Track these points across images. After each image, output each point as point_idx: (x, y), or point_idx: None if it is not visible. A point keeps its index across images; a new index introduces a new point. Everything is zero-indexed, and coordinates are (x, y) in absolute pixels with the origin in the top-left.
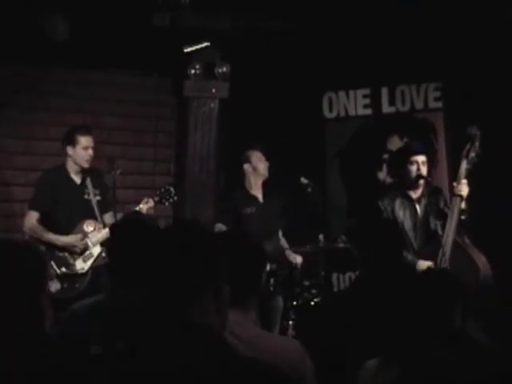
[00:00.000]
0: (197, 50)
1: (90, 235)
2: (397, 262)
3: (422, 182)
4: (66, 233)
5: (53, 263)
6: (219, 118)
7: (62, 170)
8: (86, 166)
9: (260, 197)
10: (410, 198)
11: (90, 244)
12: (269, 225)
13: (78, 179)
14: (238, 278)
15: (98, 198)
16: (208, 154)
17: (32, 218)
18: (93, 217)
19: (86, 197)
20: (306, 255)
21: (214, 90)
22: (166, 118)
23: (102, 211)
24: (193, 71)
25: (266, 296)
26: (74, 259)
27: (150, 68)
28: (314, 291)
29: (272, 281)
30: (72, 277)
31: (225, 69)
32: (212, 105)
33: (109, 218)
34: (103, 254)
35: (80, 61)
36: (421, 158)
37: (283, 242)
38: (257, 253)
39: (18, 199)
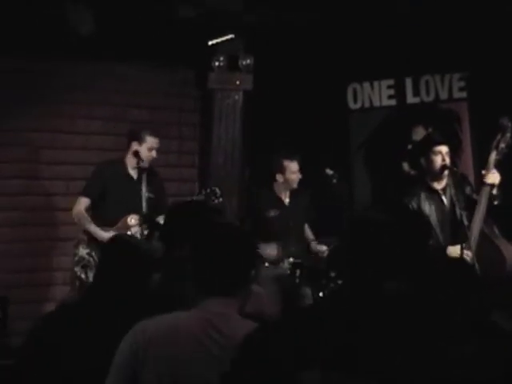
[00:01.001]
0: (221, 42)
1: (132, 229)
2: (423, 252)
3: (446, 172)
4: (112, 224)
5: (93, 254)
6: (243, 110)
7: (121, 163)
8: (146, 165)
9: (286, 200)
10: (434, 190)
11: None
12: (292, 226)
13: (134, 174)
14: (227, 269)
15: (151, 195)
16: (232, 145)
17: (81, 204)
18: (140, 212)
19: (140, 193)
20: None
21: (238, 82)
22: (190, 111)
23: (151, 209)
24: (217, 63)
25: (293, 288)
26: None
27: (175, 61)
28: (339, 282)
29: (298, 272)
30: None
31: (249, 61)
32: (236, 97)
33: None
34: None
35: (106, 54)
36: (444, 149)
37: (308, 234)
38: (248, 245)
39: (44, 193)
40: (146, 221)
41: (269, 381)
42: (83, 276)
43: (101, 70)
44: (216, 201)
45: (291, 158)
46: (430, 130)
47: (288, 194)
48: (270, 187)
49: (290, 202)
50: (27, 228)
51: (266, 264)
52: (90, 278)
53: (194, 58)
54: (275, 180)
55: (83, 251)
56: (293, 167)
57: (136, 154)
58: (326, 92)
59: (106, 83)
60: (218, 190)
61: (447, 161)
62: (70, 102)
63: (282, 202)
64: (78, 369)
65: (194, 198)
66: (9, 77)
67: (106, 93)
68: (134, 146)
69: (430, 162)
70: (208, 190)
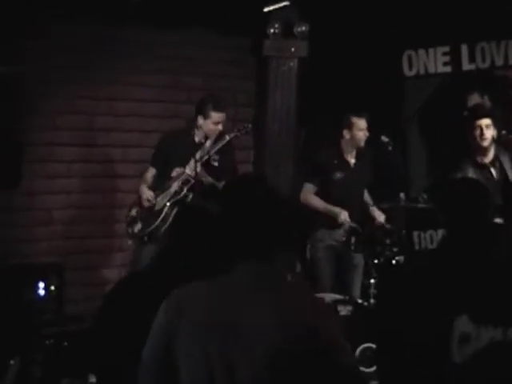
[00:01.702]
0: (276, 9)
1: (172, 177)
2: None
3: (489, 145)
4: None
5: (140, 209)
6: (298, 77)
7: (187, 133)
8: (212, 137)
9: (352, 161)
10: (481, 165)
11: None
12: (356, 190)
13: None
14: (258, 231)
15: (215, 163)
16: (287, 113)
17: (148, 172)
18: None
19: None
20: (386, 214)
21: (293, 49)
22: (245, 78)
23: (215, 176)
24: (272, 30)
25: (347, 254)
26: (156, 198)
27: (230, 28)
28: (395, 249)
29: (353, 239)
30: (150, 215)
31: (304, 28)
32: (291, 64)
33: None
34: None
35: (160, 20)
36: (484, 122)
37: (367, 199)
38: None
39: (100, 160)
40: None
41: None
42: (130, 231)
43: (155, 38)
44: (244, 133)
45: (359, 115)
46: (486, 97)
47: (354, 154)
48: (337, 147)
49: (355, 164)
50: (83, 195)
51: (322, 229)
52: (135, 230)
53: (249, 25)
54: (342, 137)
55: (133, 211)
56: (360, 124)
57: (202, 128)
58: (381, 59)
59: (160, 51)
60: (249, 126)
61: (486, 134)
62: (125, 69)
63: (347, 164)
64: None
65: (225, 136)
66: (64, 44)
67: (160, 60)
68: (200, 120)
69: (470, 137)
70: (241, 128)
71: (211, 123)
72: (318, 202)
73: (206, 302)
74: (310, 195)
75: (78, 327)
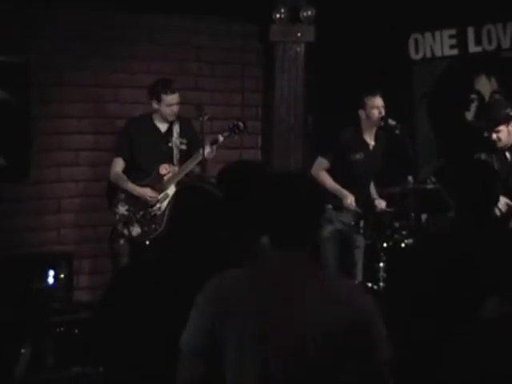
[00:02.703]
0: None
1: (165, 178)
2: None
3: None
4: (146, 179)
5: (132, 209)
6: (305, 62)
7: (148, 118)
8: (170, 119)
9: (371, 143)
10: (496, 148)
11: (165, 185)
12: (372, 172)
13: (163, 127)
14: (295, 220)
15: (183, 147)
16: (295, 98)
17: (117, 165)
18: (171, 163)
19: (169, 145)
20: (395, 197)
21: (299, 34)
22: (252, 64)
23: (186, 159)
24: (278, 15)
25: (350, 235)
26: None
27: (236, 13)
28: (404, 233)
29: (362, 223)
30: (150, 219)
31: (310, 12)
32: (298, 49)
33: (198, 157)
34: None
35: (166, 7)
36: None
37: (372, 188)
38: (317, 194)
39: (106, 147)
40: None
41: None
42: (126, 232)
43: (161, 24)
44: (239, 133)
45: (373, 93)
46: (493, 79)
47: (373, 136)
48: (355, 128)
49: (374, 146)
50: (91, 183)
51: (330, 206)
52: (133, 233)
53: (255, 10)
54: (359, 119)
55: (122, 209)
56: (374, 102)
57: (157, 112)
58: (388, 43)
59: (166, 37)
60: (240, 124)
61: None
62: (130, 56)
63: (366, 144)
64: (155, 325)
65: (220, 136)
66: (71, 30)
67: (166, 47)
68: (154, 104)
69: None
70: (231, 126)
71: (165, 106)
72: (327, 180)
73: (250, 291)
74: (321, 171)
75: (88, 315)
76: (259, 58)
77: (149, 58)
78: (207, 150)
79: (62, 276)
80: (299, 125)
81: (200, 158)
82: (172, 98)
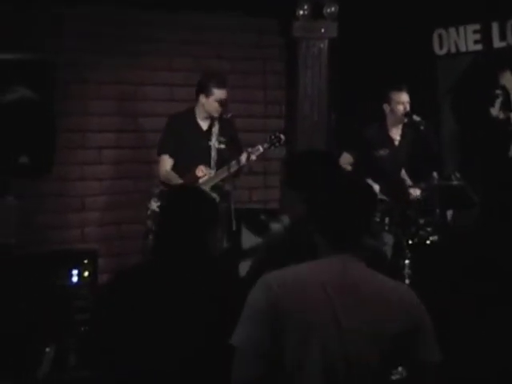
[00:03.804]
0: None
1: (200, 180)
2: None
3: None
4: (183, 176)
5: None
6: (329, 59)
7: (190, 114)
8: (215, 115)
9: (397, 138)
10: None
11: None
12: (397, 169)
13: (204, 125)
14: (353, 221)
15: (222, 146)
16: (318, 94)
17: (165, 163)
18: (209, 163)
19: (209, 143)
20: (420, 193)
21: (322, 30)
22: (275, 60)
23: (223, 159)
24: (301, 12)
25: (377, 233)
26: None
27: (258, 9)
28: (429, 229)
29: (387, 219)
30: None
31: (333, 8)
32: (321, 45)
33: (234, 166)
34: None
35: (185, 3)
36: None
37: (404, 176)
38: (370, 196)
39: (128, 146)
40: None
41: None
42: (154, 228)
43: (182, 21)
44: (278, 145)
45: (398, 88)
46: None
47: (399, 132)
48: (381, 124)
49: (400, 142)
50: (115, 181)
51: None
52: None
53: (278, 6)
54: (384, 113)
55: (154, 205)
56: (399, 97)
57: (204, 106)
58: (412, 38)
59: (187, 34)
60: (282, 136)
61: None
62: (152, 54)
63: (391, 141)
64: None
65: (260, 147)
66: (93, 28)
67: (187, 44)
68: (202, 98)
69: None
70: (272, 137)
71: (214, 101)
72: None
73: (308, 290)
74: (346, 166)
75: None
76: (281, 53)
77: (170, 55)
78: (243, 159)
79: (86, 274)
80: (323, 122)
81: (238, 165)
82: (223, 93)
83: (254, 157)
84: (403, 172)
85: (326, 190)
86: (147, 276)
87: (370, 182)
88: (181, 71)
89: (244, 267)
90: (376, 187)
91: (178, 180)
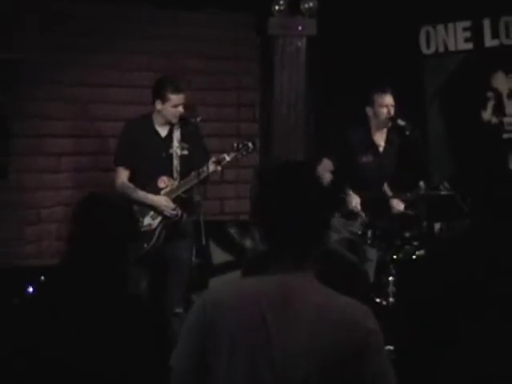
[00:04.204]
0: None
1: (162, 192)
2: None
3: None
4: (144, 189)
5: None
6: (307, 58)
7: (148, 120)
8: (174, 121)
9: (382, 144)
10: None
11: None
12: (381, 177)
13: (163, 131)
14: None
15: (185, 152)
16: (296, 96)
17: (121, 175)
18: (171, 172)
19: (170, 151)
20: (405, 204)
21: (300, 28)
22: (249, 59)
23: (187, 166)
24: (277, 7)
25: (360, 248)
26: (143, 216)
27: (232, 5)
28: (415, 243)
29: (370, 233)
30: (139, 235)
31: (311, 4)
32: (299, 43)
33: (203, 173)
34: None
35: None
36: None
37: (386, 189)
38: (324, 193)
39: (90, 152)
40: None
41: None
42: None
43: (149, 16)
44: (246, 154)
45: (381, 90)
46: (511, 75)
47: (384, 137)
48: (365, 128)
49: (384, 148)
50: (74, 190)
51: (338, 214)
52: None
53: (253, 1)
54: (367, 117)
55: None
56: (382, 99)
57: (160, 112)
58: (397, 36)
59: (156, 30)
60: (250, 145)
61: None
62: (119, 52)
63: (375, 147)
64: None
65: (226, 156)
66: (57, 24)
67: (157, 41)
68: (158, 105)
69: None
70: (240, 145)
71: (171, 107)
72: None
73: (242, 309)
74: (326, 173)
75: None
76: (257, 52)
77: (137, 52)
78: (211, 168)
79: (43, 292)
80: (301, 126)
81: (202, 175)
82: (180, 98)
83: (219, 167)
84: (385, 186)
85: (271, 195)
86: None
87: (350, 194)
88: (149, 71)
89: (215, 284)
90: (356, 200)
91: (135, 192)
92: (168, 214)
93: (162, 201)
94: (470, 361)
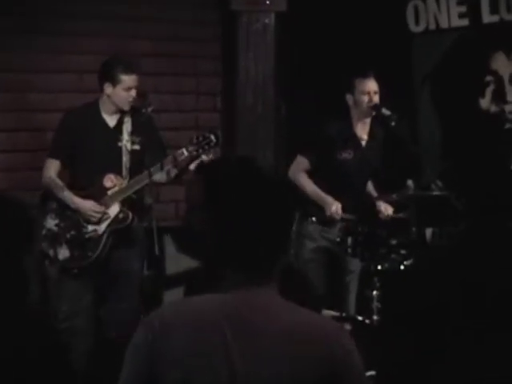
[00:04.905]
0: None
1: (109, 192)
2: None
3: None
4: (88, 187)
5: (63, 225)
6: (276, 37)
7: (93, 108)
8: (126, 108)
9: (364, 137)
10: None
11: (107, 202)
12: (364, 175)
13: (112, 121)
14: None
15: (136, 147)
16: (264, 81)
17: (50, 168)
18: (120, 169)
19: (119, 144)
20: (392, 206)
21: (268, 2)
22: (209, 40)
23: (139, 163)
24: None
25: (341, 258)
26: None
27: None
28: (403, 252)
29: (350, 240)
30: (83, 242)
31: None
32: (266, 20)
33: (156, 171)
34: (121, 215)
35: None
36: None
37: (371, 190)
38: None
39: (24, 148)
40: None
41: None
42: (51, 253)
43: None
44: (210, 150)
45: (363, 74)
46: None
47: (367, 130)
48: (345, 120)
49: (367, 143)
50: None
51: (314, 219)
52: (60, 256)
53: None
54: (348, 106)
55: (51, 222)
56: (363, 85)
57: (110, 98)
58: (381, 12)
59: (100, 9)
60: (213, 137)
61: None
62: (55, 32)
63: (357, 140)
64: None
65: (183, 151)
66: None
67: (100, 21)
68: (107, 88)
69: None
70: (200, 138)
71: (122, 90)
72: (308, 184)
73: (197, 329)
74: (301, 173)
75: None
76: (218, 32)
77: (76, 33)
78: (166, 168)
79: None
80: (270, 116)
81: (156, 174)
82: (132, 80)
83: (172, 166)
84: (369, 185)
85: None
86: None
87: (328, 198)
88: (91, 54)
89: (169, 298)
90: (336, 205)
91: (61, 191)
92: (94, 220)
93: (89, 206)
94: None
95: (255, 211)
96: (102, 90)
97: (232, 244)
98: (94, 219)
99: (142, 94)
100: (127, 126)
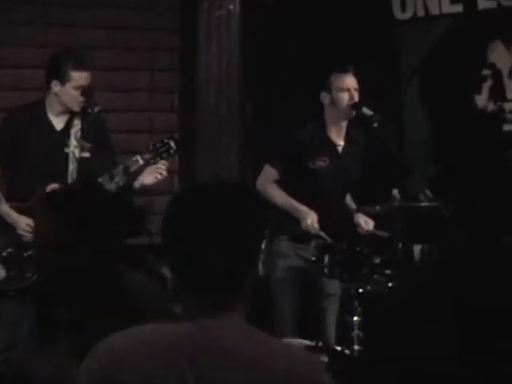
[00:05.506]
0: None
1: None
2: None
3: None
4: (29, 198)
5: None
6: (242, 27)
7: (37, 109)
8: (76, 109)
9: (340, 143)
10: None
11: None
12: (341, 186)
13: (59, 124)
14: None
15: (85, 154)
16: (228, 77)
17: None
18: (64, 179)
19: (65, 150)
20: (374, 219)
21: None
22: (165, 30)
23: (87, 174)
24: None
25: (318, 279)
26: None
27: None
28: (388, 272)
29: (327, 259)
30: (21, 261)
31: None
32: (230, 7)
33: (105, 182)
34: None
35: None
36: None
37: (350, 202)
38: (255, 213)
39: None
40: None
41: None
42: None
43: None
44: (169, 157)
45: (341, 69)
46: None
47: (343, 134)
48: (319, 123)
49: (344, 149)
50: None
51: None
52: None
53: None
54: (323, 107)
55: None
56: (341, 82)
57: (58, 97)
58: None
59: None
60: (172, 143)
61: None
62: None
63: (333, 146)
64: None
65: (137, 159)
66: None
67: (44, 9)
68: (55, 86)
69: None
70: (158, 145)
71: (72, 89)
72: (278, 195)
73: (149, 362)
74: (269, 184)
75: None
76: (176, 21)
77: (16, 23)
78: (116, 178)
79: None
80: (234, 118)
81: (110, 181)
82: (84, 77)
83: (124, 175)
84: (348, 197)
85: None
86: None
87: (304, 210)
88: (39, 47)
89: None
90: (312, 218)
91: (11, 212)
92: (24, 234)
93: (26, 222)
94: None
95: (202, 238)
96: (48, 88)
97: (184, 272)
98: (27, 238)
99: (87, 92)
100: (76, 130)
